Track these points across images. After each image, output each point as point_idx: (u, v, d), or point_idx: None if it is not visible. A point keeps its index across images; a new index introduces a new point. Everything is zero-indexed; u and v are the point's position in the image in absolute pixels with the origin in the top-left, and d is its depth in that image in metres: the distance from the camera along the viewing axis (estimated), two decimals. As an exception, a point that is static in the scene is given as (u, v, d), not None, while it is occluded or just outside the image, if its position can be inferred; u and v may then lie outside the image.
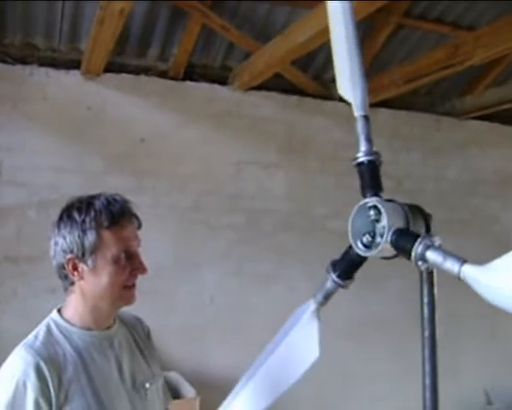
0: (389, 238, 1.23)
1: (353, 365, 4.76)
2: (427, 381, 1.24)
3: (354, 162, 1.37)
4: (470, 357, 5.23)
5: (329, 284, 1.44)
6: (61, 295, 1.72)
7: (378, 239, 1.28)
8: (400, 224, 1.26)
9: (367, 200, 1.30)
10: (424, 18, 4.27)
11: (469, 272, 1.09)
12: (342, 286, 1.42)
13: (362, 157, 1.36)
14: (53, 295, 3.61)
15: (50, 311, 1.71)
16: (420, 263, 1.18)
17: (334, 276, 1.41)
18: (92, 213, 1.59)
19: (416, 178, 5.09)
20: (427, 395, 1.24)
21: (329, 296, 1.48)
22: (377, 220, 1.28)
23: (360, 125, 1.37)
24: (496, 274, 1.07)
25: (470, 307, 5.22)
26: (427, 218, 1.32)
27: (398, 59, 4.64)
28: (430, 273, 1.28)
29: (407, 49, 4.60)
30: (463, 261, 1.10)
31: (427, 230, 1.30)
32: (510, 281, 1.04)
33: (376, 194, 1.31)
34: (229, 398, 1.72)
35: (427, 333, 1.25)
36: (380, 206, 1.26)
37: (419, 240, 1.17)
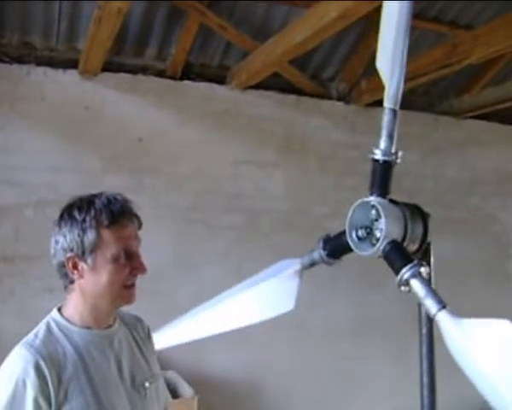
0: (382, 247, 1.24)
1: (352, 364, 4.76)
2: (425, 379, 1.25)
3: (370, 156, 1.35)
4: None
5: (316, 256, 1.47)
6: (58, 295, 1.72)
7: (373, 241, 1.28)
8: (398, 231, 1.26)
9: (371, 199, 1.30)
10: (422, 17, 4.27)
11: (443, 320, 1.11)
12: (326, 263, 1.46)
13: (379, 155, 1.34)
14: (51, 295, 3.61)
15: (48, 311, 1.70)
16: (402, 287, 1.21)
17: (322, 251, 1.45)
18: (92, 212, 1.59)
19: (414, 178, 5.09)
20: (425, 392, 1.24)
21: (314, 265, 1.50)
22: (376, 220, 1.29)
23: (386, 119, 1.35)
24: (467, 335, 1.08)
25: (468, 305, 5.24)
26: (425, 217, 1.32)
27: (396, 58, 4.63)
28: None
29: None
30: (442, 307, 1.12)
31: (425, 229, 1.31)
32: (474, 350, 1.06)
33: (382, 195, 1.30)
34: (199, 309, 1.89)
35: (424, 330, 1.26)
36: (381, 210, 1.26)
37: (409, 266, 1.19)
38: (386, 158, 1.33)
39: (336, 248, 1.40)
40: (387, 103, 1.35)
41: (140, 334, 1.85)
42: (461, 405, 5.00)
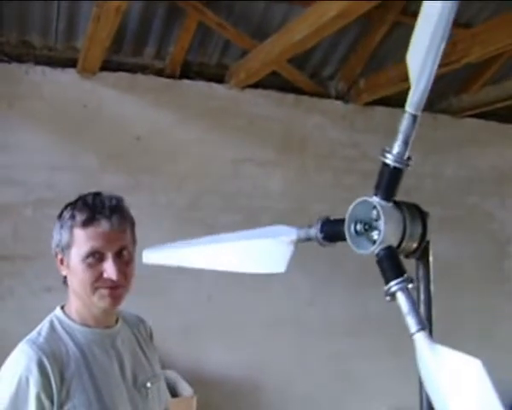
0: (377, 251, 1.25)
1: (350, 361, 4.77)
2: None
3: (381, 158, 1.30)
4: (467, 354, 5.23)
5: (312, 233, 1.43)
6: (57, 294, 1.72)
7: (369, 239, 1.28)
8: (395, 237, 1.27)
9: (375, 199, 1.28)
10: (421, 15, 4.27)
11: (419, 341, 1.13)
12: (320, 244, 1.42)
13: (391, 160, 1.28)
14: (49, 294, 3.61)
15: (47, 310, 1.71)
16: (387, 298, 1.22)
17: (318, 232, 1.41)
18: (71, 212, 1.61)
19: (413, 176, 5.06)
20: (424, 391, 1.24)
21: (309, 240, 1.45)
22: (376, 220, 1.28)
23: (405, 124, 1.28)
24: (434, 361, 1.11)
25: (467, 305, 5.25)
26: (424, 216, 1.32)
27: (394, 57, 4.63)
28: (426, 270, 1.29)
29: (404, 47, 4.53)
30: (421, 328, 1.14)
31: (424, 228, 1.31)
32: (439, 377, 1.09)
33: (386, 199, 1.29)
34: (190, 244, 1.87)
35: (424, 329, 1.25)
36: (381, 215, 1.25)
37: (399, 279, 1.20)
38: (397, 165, 1.28)
39: (332, 233, 1.39)
40: (409, 108, 1.28)
41: (142, 334, 1.86)
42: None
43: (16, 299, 3.85)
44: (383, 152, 1.29)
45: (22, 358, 1.52)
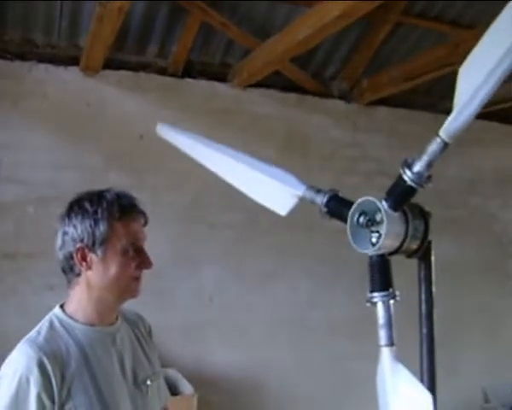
0: (371, 254, 1.27)
1: (352, 363, 4.76)
2: (425, 378, 1.25)
3: (400, 172, 1.23)
4: (468, 355, 5.23)
5: (317, 200, 1.45)
6: (59, 293, 1.72)
7: (367, 238, 1.29)
8: (393, 246, 1.28)
9: (383, 205, 1.27)
10: (423, 16, 4.27)
11: (384, 355, 1.23)
12: (321, 214, 1.44)
13: (408, 178, 1.22)
14: (51, 292, 3.62)
15: (49, 308, 1.71)
16: (368, 304, 1.28)
17: (323, 203, 1.42)
18: (104, 205, 1.62)
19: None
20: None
21: (310, 202, 1.49)
22: (379, 223, 1.29)
23: (433, 147, 1.18)
24: (391, 377, 1.20)
25: (469, 306, 5.24)
26: (426, 217, 1.32)
27: (397, 57, 4.63)
28: (428, 271, 1.29)
29: (406, 47, 4.60)
30: (390, 344, 1.22)
31: (426, 228, 1.31)
32: (392, 393, 1.19)
33: (394, 209, 1.27)
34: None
35: (425, 330, 1.26)
36: (385, 223, 1.25)
37: (384, 293, 1.25)
38: (413, 184, 1.22)
39: (336, 210, 1.39)
40: (443, 133, 1.16)
41: (142, 332, 1.86)
42: (461, 405, 5.01)
43: (18, 297, 3.85)
44: (404, 164, 1.22)
45: (22, 358, 1.52)
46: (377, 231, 1.27)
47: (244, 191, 1.59)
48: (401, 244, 1.27)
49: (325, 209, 1.40)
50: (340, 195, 1.41)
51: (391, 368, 1.21)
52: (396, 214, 1.27)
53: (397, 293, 1.28)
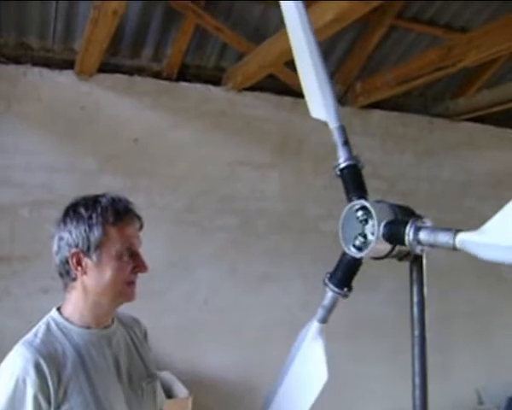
0: (381, 232, 1.25)
1: (346, 365, 4.76)
2: (417, 380, 1.25)
3: (336, 170, 1.40)
4: (462, 357, 5.25)
5: (329, 297, 1.42)
6: (54, 296, 1.73)
7: (370, 237, 1.29)
8: (389, 213, 1.28)
9: (354, 202, 1.31)
10: (417, 20, 4.29)
11: (464, 237, 1.11)
12: (343, 295, 1.41)
13: (342, 163, 1.39)
14: (46, 296, 3.62)
15: (44, 311, 1.72)
16: (417, 247, 1.20)
17: (332, 286, 1.40)
18: (99, 210, 1.63)
19: (408, 180, 5.11)
20: (417, 393, 1.25)
21: (331, 310, 1.44)
22: (366, 221, 1.29)
23: (337, 135, 1.42)
24: (490, 233, 1.10)
25: (462, 308, 5.26)
26: (417, 219, 1.33)
27: (391, 60, 4.65)
28: (420, 273, 1.30)
29: (400, 50, 4.62)
30: (456, 231, 1.13)
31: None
32: (504, 235, 1.07)
33: (362, 196, 1.32)
34: None
35: (416, 332, 1.27)
36: (367, 204, 1.27)
37: (409, 224, 1.19)
38: (350, 162, 1.39)
39: (343, 272, 1.39)
40: (333, 124, 1.44)
41: (137, 335, 1.87)
42: (455, 407, 5.03)
43: (13, 300, 3.84)
44: (334, 167, 1.43)
45: (19, 359, 1.53)
46: (371, 226, 1.28)
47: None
48: (392, 248, 1.28)
49: (335, 285, 1.42)
50: (331, 271, 1.44)
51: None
52: (368, 200, 1.30)
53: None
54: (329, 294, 1.42)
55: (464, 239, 1.10)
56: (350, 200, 1.34)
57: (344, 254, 1.36)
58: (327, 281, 1.42)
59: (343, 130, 1.41)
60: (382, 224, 1.24)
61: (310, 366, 1.49)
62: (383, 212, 1.27)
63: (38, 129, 3.97)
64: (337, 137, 1.41)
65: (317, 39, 1.62)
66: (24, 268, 3.85)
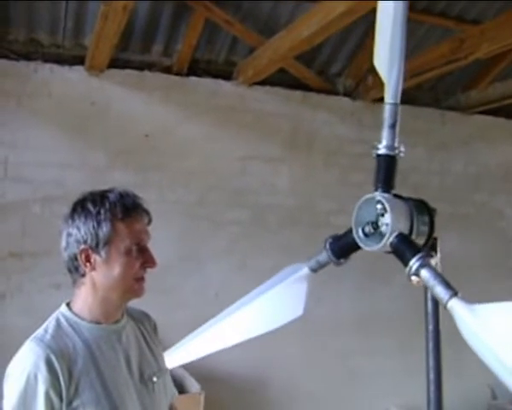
0: (390, 240, 1.24)
1: (358, 359, 4.77)
2: (432, 375, 1.25)
3: (374, 151, 1.36)
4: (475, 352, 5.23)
5: (323, 258, 1.47)
6: (65, 291, 1.73)
7: (380, 235, 1.28)
8: (404, 225, 1.27)
9: (377, 194, 1.30)
10: (428, 12, 4.25)
11: (456, 307, 1.12)
12: (335, 263, 1.44)
13: (382, 149, 1.34)
14: (58, 291, 3.63)
15: (55, 307, 1.72)
16: (412, 277, 1.21)
17: (329, 252, 1.44)
18: (107, 205, 1.62)
19: (420, 173, 5.08)
20: (432, 388, 1.24)
21: (321, 267, 1.49)
22: (383, 215, 1.29)
23: (387, 113, 1.35)
24: (479, 317, 1.09)
25: (474, 300, 5.23)
26: (431, 213, 1.32)
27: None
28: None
29: (411, 43, 4.58)
30: (454, 294, 1.13)
31: (432, 225, 1.31)
32: (489, 331, 1.06)
33: (387, 191, 1.30)
34: (210, 323, 1.99)
35: (430, 327, 1.26)
36: (386, 205, 1.26)
37: (418, 256, 1.20)
38: (389, 152, 1.33)
39: (344, 247, 1.40)
40: (388, 98, 1.35)
41: (147, 329, 1.87)
42: (469, 402, 5.00)
43: (24, 296, 3.86)
44: (374, 146, 1.36)
45: (30, 355, 1.53)
46: (384, 224, 1.27)
47: (266, 329, 1.67)
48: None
49: (333, 254, 1.42)
50: (337, 234, 1.45)
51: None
52: (391, 195, 1.29)
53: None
54: (326, 256, 1.47)
55: (455, 309, 1.12)
56: (375, 188, 1.32)
57: (350, 231, 1.35)
58: (327, 244, 1.45)
59: (395, 110, 1.35)
60: (394, 234, 1.24)
61: (290, 298, 1.61)
62: (400, 217, 1.26)
63: (49, 125, 3.98)
64: (387, 116, 1.36)
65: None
66: (35, 264, 3.86)
